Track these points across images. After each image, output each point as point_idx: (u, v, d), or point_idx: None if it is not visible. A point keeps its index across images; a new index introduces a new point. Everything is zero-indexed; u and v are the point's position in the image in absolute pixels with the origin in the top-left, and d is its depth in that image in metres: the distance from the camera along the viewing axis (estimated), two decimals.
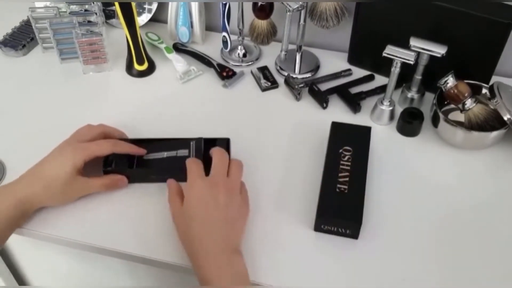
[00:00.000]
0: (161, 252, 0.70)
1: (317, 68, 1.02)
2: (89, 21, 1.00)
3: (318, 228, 0.72)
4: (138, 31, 0.94)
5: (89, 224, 0.73)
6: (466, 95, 0.82)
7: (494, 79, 0.88)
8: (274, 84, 0.98)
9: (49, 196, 0.71)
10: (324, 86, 0.96)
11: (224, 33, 1.01)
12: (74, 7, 1.01)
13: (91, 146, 0.73)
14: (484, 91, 0.87)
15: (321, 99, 0.92)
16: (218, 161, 0.70)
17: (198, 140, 0.78)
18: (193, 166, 0.70)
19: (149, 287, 0.93)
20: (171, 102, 0.90)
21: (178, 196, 0.69)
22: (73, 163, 0.70)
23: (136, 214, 0.74)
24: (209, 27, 1.10)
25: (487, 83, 0.87)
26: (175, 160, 0.77)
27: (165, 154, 0.78)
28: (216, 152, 0.71)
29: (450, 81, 0.82)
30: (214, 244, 0.62)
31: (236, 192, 0.68)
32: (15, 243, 0.95)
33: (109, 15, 1.10)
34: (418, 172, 0.81)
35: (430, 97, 0.89)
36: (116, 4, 0.89)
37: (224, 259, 0.61)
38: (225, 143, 0.77)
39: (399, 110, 0.89)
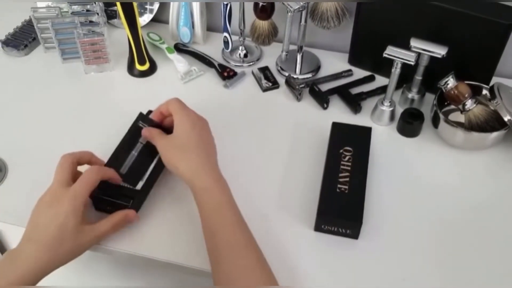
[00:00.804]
0: (161, 252, 0.70)
1: (317, 68, 1.02)
2: (91, 21, 1.01)
3: (318, 228, 0.72)
4: (140, 31, 0.94)
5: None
6: (466, 96, 0.82)
7: (495, 80, 0.88)
8: (275, 85, 0.98)
9: (60, 260, 0.63)
10: (324, 87, 0.96)
11: (225, 34, 1.01)
12: (76, 7, 1.02)
13: (80, 188, 0.65)
14: (484, 92, 0.87)
15: (322, 99, 0.93)
16: (177, 101, 0.75)
17: (139, 116, 0.78)
18: (175, 101, 0.75)
19: (149, 287, 0.93)
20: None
21: (160, 132, 0.74)
22: (73, 217, 0.63)
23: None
24: (210, 28, 1.11)
25: (488, 84, 0.88)
26: (145, 149, 0.76)
27: (134, 153, 0.76)
28: (172, 99, 0.76)
29: (450, 82, 0.82)
30: (213, 166, 0.70)
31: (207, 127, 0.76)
32: (15, 243, 0.95)
33: (110, 15, 1.10)
34: (418, 173, 0.81)
35: (430, 97, 0.90)
36: (118, 4, 0.89)
37: (224, 182, 0.69)
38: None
39: (399, 110, 0.90)
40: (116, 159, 0.75)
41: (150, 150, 0.75)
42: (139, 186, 0.73)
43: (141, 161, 0.75)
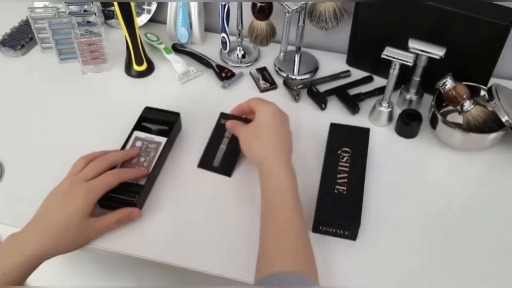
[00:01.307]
0: (159, 253, 0.70)
1: (316, 69, 1.02)
2: (88, 22, 1.00)
3: (316, 229, 0.72)
4: (137, 31, 0.94)
5: None
6: (464, 97, 0.82)
7: (493, 81, 0.89)
8: (273, 85, 0.98)
9: (62, 248, 0.66)
10: (322, 87, 0.96)
11: (223, 34, 1.01)
12: (73, 8, 1.01)
13: (99, 184, 0.69)
14: (482, 93, 0.87)
15: (320, 100, 0.92)
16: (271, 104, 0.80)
17: (221, 116, 0.87)
18: (259, 99, 0.81)
19: (149, 287, 0.93)
20: (170, 102, 0.90)
21: (240, 122, 0.81)
22: (84, 208, 0.67)
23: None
24: (208, 28, 1.10)
25: (486, 85, 0.88)
26: (232, 141, 0.83)
27: (222, 146, 0.83)
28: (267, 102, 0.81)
29: (448, 83, 0.82)
30: (285, 152, 0.74)
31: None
32: None
33: (108, 15, 1.10)
34: (416, 174, 0.81)
35: (428, 98, 0.90)
36: (116, 4, 0.89)
37: (292, 168, 0.72)
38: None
39: (397, 111, 0.90)
40: (207, 157, 0.82)
41: (236, 141, 0.80)
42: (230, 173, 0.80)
43: (230, 152, 0.82)
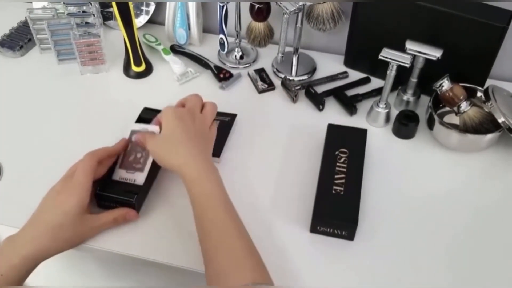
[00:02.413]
0: (158, 254, 0.70)
1: (313, 70, 1.02)
2: (86, 23, 1.01)
3: (314, 229, 0.72)
4: (136, 32, 0.94)
5: None
6: (461, 98, 0.83)
7: (489, 82, 0.89)
8: (270, 86, 0.98)
9: (59, 247, 0.66)
10: (320, 89, 0.96)
11: (222, 35, 1.01)
12: (72, 8, 1.01)
13: (82, 178, 0.68)
14: (479, 94, 0.88)
15: (318, 101, 0.93)
16: (192, 97, 0.78)
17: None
18: (167, 106, 0.76)
19: (149, 287, 0.93)
20: (168, 103, 0.90)
21: (150, 134, 0.75)
22: (77, 205, 0.66)
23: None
24: (206, 29, 1.11)
25: (482, 86, 0.88)
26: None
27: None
28: (191, 95, 0.78)
29: (445, 84, 0.83)
30: (201, 156, 0.70)
31: (205, 122, 0.75)
32: None
33: (106, 16, 1.10)
34: (413, 174, 0.82)
35: (425, 99, 0.90)
36: (114, 5, 0.89)
37: (212, 172, 0.69)
38: None
39: (395, 112, 0.90)
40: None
41: (225, 128, 0.84)
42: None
43: (218, 137, 0.80)
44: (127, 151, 0.77)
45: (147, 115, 0.84)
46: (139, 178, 0.74)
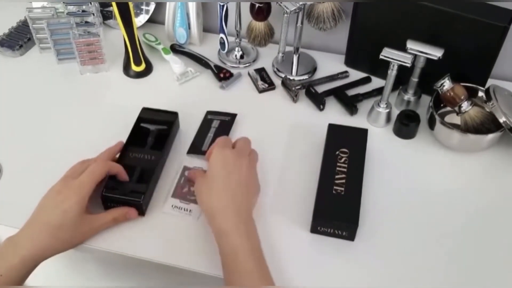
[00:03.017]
0: (159, 254, 0.70)
1: (314, 70, 1.02)
2: (86, 22, 1.00)
3: (314, 229, 0.72)
4: (136, 32, 0.94)
5: None
6: (462, 97, 0.83)
7: (490, 82, 0.89)
8: (271, 86, 0.98)
9: (59, 247, 0.66)
10: (321, 88, 0.96)
11: (222, 35, 1.01)
12: (72, 8, 1.01)
13: (86, 178, 0.69)
14: (480, 94, 0.88)
15: (318, 101, 0.93)
16: (242, 141, 0.76)
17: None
18: (220, 140, 0.75)
19: (149, 287, 0.93)
20: (168, 103, 0.90)
21: (201, 171, 0.77)
22: (77, 205, 0.66)
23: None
24: (206, 29, 1.10)
25: (483, 86, 0.88)
26: (220, 128, 0.86)
27: (210, 135, 0.86)
28: (242, 138, 0.77)
29: (446, 83, 0.82)
30: (236, 209, 0.67)
31: (255, 165, 0.75)
32: None
33: (106, 16, 1.10)
34: (414, 174, 0.82)
35: (426, 99, 0.90)
36: (114, 4, 0.89)
37: (245, 226, 0.66)
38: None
39: (395, 112, 0.90)
40: (196, 144, 0.85)
41: (225, 127, 0.86)
42: None
43: (218, 136, 0.81)
44: (180, 182, 0.78)
45: (146, 115, 0.84)
46: (195, 209, 0.75)
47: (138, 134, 0.81)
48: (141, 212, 0.73)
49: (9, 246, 0.64)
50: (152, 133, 0.81)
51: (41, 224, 0.66)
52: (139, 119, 0.84)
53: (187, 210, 0.75)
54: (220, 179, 0.69)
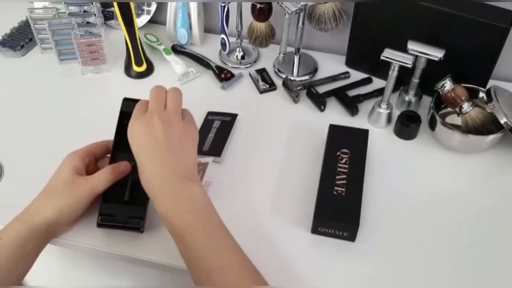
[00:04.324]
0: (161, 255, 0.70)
1: (315, 70, 1.02)
2: (88, 22, 1.00)
3: (315, 230, 0.72)
4: (137, 32, 0.94)
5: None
6: (463, 98, 0.83)
7: (491, 83, 0.89)
8: (272, 87, 0.98)
9: (54, 205, 0.66)
10: (322, 89, 0.96)
11: (223, 35, 1.01)
12: (73, 8, 1.01)
13: (84, 146, 0.73)
14: (481, 94, 0.88)
15: (319, 101, 0.93)
16: (153, 96, 0.69)
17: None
18: (137, 106, 0.69)
19: (149, 287, 0.93)
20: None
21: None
22: (68, 164, 0.69)
23: None
24: (207, 29, 1.11)
25: (484, 87, 0.88)
26: (221, 127, 0.85)
27: (211, 135, 0.85)
28: (152, 90, 0.70)
29: (447, 84, 0.83)
30: (164, 180, 0.62)
31: (174, 122, 0.66)
32: None
33: (108, 16, 1.10)
34: (415, 175, 0.82)
35: (427, 100, 0.90)
36: (115, 5, 0.89)
37: (177, 193, 0.62)
38: None
39: (396, 113, 0.90)
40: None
41: (226, 128, 0.86)
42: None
43: (218, 138, 0.84)
44: None
45: (128, 108, 0.72)
46: None
47: (124, 134, 0.69)
48: (140, 231, 0.70)
49: (18, 219, 0.66)
50: None
51: (41, 191, 0.69)
52: (122, 114, 0.74)
53: None
54: (142, 160, 0.64)
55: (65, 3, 1.01)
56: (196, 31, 1.06)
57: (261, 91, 0.97)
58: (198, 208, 0.62)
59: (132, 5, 0.89)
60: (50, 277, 1.03)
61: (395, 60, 0.81)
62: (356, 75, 1.00)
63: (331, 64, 1.03)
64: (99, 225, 0.69)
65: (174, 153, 0.64)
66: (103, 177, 0.69)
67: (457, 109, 0.84)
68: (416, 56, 0.83)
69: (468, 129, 0.84)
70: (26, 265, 0.65)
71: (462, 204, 0.77)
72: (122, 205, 0.69)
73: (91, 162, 0.72)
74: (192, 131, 0.68)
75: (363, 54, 0.99)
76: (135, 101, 0.71)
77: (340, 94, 0.95)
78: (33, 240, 0.65)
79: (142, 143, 0.64)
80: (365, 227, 0.72)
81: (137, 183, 0.66)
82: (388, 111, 0.88)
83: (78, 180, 0.68)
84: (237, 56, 1.04)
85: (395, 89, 0.88)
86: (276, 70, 1.01)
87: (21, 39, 1.06)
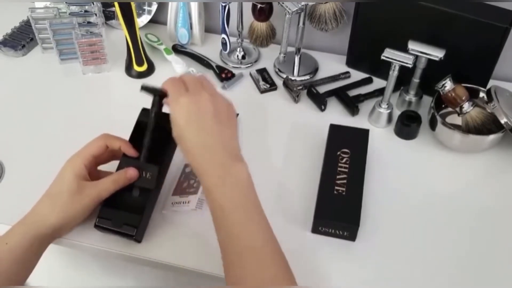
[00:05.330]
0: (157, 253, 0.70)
1: (315, 70, 1.02)
2: (88, 22, 1.01)
3: (315, 230, 0.72)
4: (138, 32, 0.94)
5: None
6: (463, 98, 0.83)
7: (492, 83, 0.89)
8: (272, 86, 0.98)
9: (59, 211, 0.66)
10: (322, 89, 0.96)
11: (223, 35, 1.01)
12: (74, 8, 1.01)
13: (83, 149, 0.71)
14: (481, 94, 0.88)
15: (320, 101, 0.93)
16: (187, 77, 0.67)
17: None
18: (170, 86, 0.66)
19: (149, 287, 0.93)
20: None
21: None
22: (72, 170, 0.68)
23: None
24: (208, 29, 1.11)
25: (485, 87, 0.88)
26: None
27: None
28: (181, 75, 0.68)
29: (447, 84, 0.83)
30: (214, 155, 0.62)
31: (218, 97, 0.65)
32: None
33: (109, 16, 1.10)
34: (415, 175, 0.82)
35: (428, 100, 0.90)
36: (116, 5, 0.89)
37: (225, 169, 0.61)
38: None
39: (397, 113, 0.90)
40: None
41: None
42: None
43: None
44: (180, 180, 0.78)
45: (146, 118, 0.72)
46: (193, 199, 0.73)
47: (136, 142, 0.72)
48: (137, 241, 0.70)
49: (21, 223, 0.66)
50: (148, 142, 0.71)
51: (44, 196, 0.68)
52: (138, 124, 0.74)
53: (186, 202, 0.74)
54: (189, 136, 0.63)
55: (66, 2, 1.01)
56: (196, 31, 1.06)
57: (262, 91, 0.98)
58: (242, 186, 0.62)
59: (133, 5, 0.90)
60: (50, 277, 1.03)
61: (395, 60, 0.81)
62: (357, 75, 1.00)
63: (331, 64, 1.03)
64: (96, 226, 0.69)
65: (223, 127, 0.64)
66: (110, 184, 0.69)
67: (458, 109, 0.84)
68: (417, 56, 0.83)
69: (468, 129, 0.84)
70: (30, 267, 0.66)
71: (462, 204, 0.77)
72: (120, 210, 0.69)
73: (92, 164, 0.72)
74: (232, 106, 0.67)
75: (364, 54, 0.99)
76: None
77: (340, 94, 0.95)
78: (38, 245, 0.65)
79: (190, 117, 0.63)
80: (366, 226, 0.72)
81: (142, 191, 0.69)
82: (389, 111, 0.88)
83: (84, 187, 0.68)
84: (237, 56, 1.05)
85: (395, 89, 0.88)
86: (277, 70, 1.01)
87: (22, 38, 1.06)
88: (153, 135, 0.70)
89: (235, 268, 0.58)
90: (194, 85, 0.65)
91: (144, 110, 0.75)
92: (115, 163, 0.73)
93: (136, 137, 0.72)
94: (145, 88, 0.70)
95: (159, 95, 0.69)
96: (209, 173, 0.61)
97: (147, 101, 0.89)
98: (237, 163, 0.63)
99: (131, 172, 0.70)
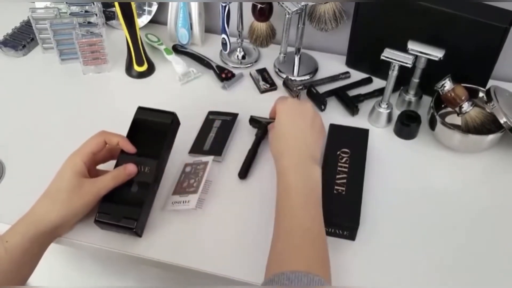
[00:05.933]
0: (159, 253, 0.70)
1: (315, 70, 1.02)
2: (89, 22, 1.01)
3: None
4: (138, 32, 0.94)
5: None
6: (463, 98, 0.83)
7: (491, 83, 0.89)
8: (272, 86, 0.98)
9: (60, 208, 0.67)
10: (322, 89, 0.96)
11: (224, 35, 1.01)
12: (75, 8, 1.02)
13: (82, 146, 0.72)
14: (481, 94, 0.88)
15: (319, 101, 0.93)
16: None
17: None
18: (280, 97, 0.82)
19: (149, 287, 0.93)
20: (170, 103, 0.90)
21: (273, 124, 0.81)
22: (71, 168, 0.69)
23: None
24: (208, 29, 1.11)
25: (484, 87, 0.88)
26: (221, 128, 0.87)
27: (212, 134, 0.86)
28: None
29: (447, 84, 0.83)
30: (298, 148, 0.73)
31: (317, 113, 0.79)
32: None
33: (109, 16, 1.10)
34: (415, 175, 0.82)
35: (427, 100, 0.90)
36: (116, 5, 0.89)
37: (302, 162, 0.71)
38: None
39: (396, 112, 0.90)
40: (197, 144, 0.85)
41: (227, 127, 0.87)
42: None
43: (219, 137, 0.85)
44: (180, 180, 0.78)
45: (143, 116, 0.76)
46: (193, 199, 0.74)
47: (133, 139, 0.74)
48: (138, 235, 0.71)
49: (23, 221, 0.67)
50: (147, 139, 0.74)
51: (44, 194, 0.69)
52: (134, 123, 0.76)
53: (186, 202, 0.74)
54: (285, 127, 0.76)
55: (66, 3, 1.01)
56: (197, 31, 1.06)
57: (262, 91, 0.98)
58: (313, 180, 0.69)
59: (133, 5, 0.90)
60: (51, 277, 1.03)
61: (395, 60, 0.81)
62: (356, 75, 1.01)
63: (331, 64, 1.03)
64: (96, 221, 0.70)
65: (314, 132, 0.76)
66: (109, 180, 0.70)
67: (457, 109, 0.84)
68: (416, 56, 0.83)
69: (468, 129, 0.84)
70: (31, 266, 0.66)
71: (462, 203, 0.77)
72: (119, 205, 0.70)
73: (91, 162, 0.72)
74: (324, 127, 0.80)
75: (363, 54, 0.99)
76: (149, 109, 0.76)
77: (340, 94, 0.95)
78: (39, 243, 0.66)
79: (292, 112, 0.77)
80: (365, 226, 0.72)
81: (140, 186, 0.70)
82: (388, 110, 0.89)
83: (83, 184, 0.68)
84: (237, 56, 1.05)
85: (395, 89, 0.88)
86: (277, 70, 1.02)
87: (22, 39, 1.07)
88: (255, 150, 0.84)
89: (280, 242, 0.63)
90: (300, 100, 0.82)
91: (140, 108, 0.77)
92: (113, 163, 0.73)
93: (133, 135, 0.74)
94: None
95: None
96: (288, 159, 0.71)
97: (147, 101, 0.89)
98: (314, 164, 0.71)
99: (130, 168, 0.71)
